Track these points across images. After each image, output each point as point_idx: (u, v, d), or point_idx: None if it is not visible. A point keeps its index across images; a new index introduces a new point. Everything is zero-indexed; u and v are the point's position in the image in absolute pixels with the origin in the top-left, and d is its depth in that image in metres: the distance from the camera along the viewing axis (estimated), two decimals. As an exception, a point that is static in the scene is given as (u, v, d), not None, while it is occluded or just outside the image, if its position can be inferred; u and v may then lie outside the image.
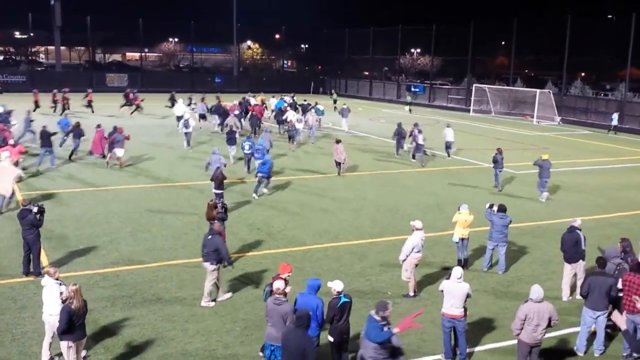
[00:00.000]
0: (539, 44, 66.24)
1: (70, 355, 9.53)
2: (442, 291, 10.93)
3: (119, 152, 26.70)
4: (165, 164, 27.89)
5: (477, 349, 11.49)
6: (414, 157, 30.66)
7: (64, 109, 41.71)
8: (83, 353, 10.26)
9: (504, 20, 58.06)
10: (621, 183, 27.20)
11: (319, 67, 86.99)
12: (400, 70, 76.27)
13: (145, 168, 26.93)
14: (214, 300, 13.00)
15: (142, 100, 44.71)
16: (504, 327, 12.08)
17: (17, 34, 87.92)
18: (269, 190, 22.76)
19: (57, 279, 10.34)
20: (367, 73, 78.23)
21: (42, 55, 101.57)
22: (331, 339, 10.03)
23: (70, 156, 27.90)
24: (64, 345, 9.48)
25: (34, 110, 40.41)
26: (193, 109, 40.62)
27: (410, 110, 56.44)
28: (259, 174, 22.17)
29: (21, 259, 14.32)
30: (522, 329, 10.01)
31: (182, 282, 14.12)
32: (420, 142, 29.83)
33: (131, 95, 45.53)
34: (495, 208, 15.43)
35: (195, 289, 13.74)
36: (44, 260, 14.94)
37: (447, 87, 68.57)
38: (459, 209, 15.58)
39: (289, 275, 10.51)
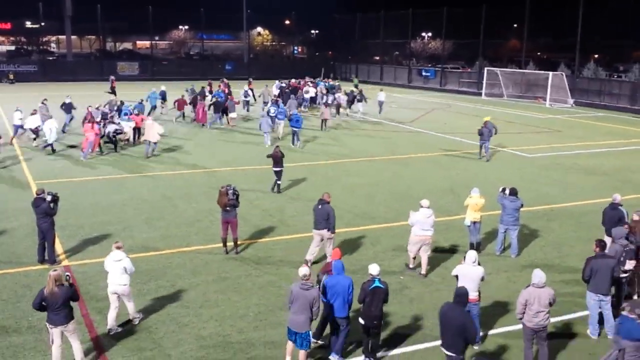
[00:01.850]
0: (551, 26, 65.35)
1: (53, 338, 9.68)
2: (456, 276, 10.91)
3: (232, 114, 34.96)
4: (178, 152, 27.97)
5: (491, 332, 11.49)
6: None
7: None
8: (117, 329, 11.06)
9: (516, 2, 57.43)
10: (636, 165, 26.97)
11: (330, 52, 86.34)
12: (411, 54, 75.49)
13: (159, 156, 27.02)
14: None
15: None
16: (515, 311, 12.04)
17: (28, 24, 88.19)
18: (301, 144, 29.23)
19: (122, 251, 11.19)
20: (377, 58, 77.49)
21: (53, 45, 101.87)
22: (362, 321, 10.16)
23: None
24: (46, 324, 9.80)
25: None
26: (247, 99, 41.41)
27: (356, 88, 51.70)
28: (294, 129, 29.15)
29: (36, 247, 14.44)
30: (524, 313, 10.00)
31: (195, 269, 14.20)
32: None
33: (114, 84, 45.89)
34: (507, 192, 15.38)
35: (209, 274, 13.83)
36: (59, 248, 15.07)
37: (459, 70, 67.97)
38: (470, 193, 15.58)
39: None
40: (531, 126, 38.32)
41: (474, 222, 15.51)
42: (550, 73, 51.74)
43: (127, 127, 29.25)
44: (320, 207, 14.16)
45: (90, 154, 26.28)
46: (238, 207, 14.98)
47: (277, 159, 20.50)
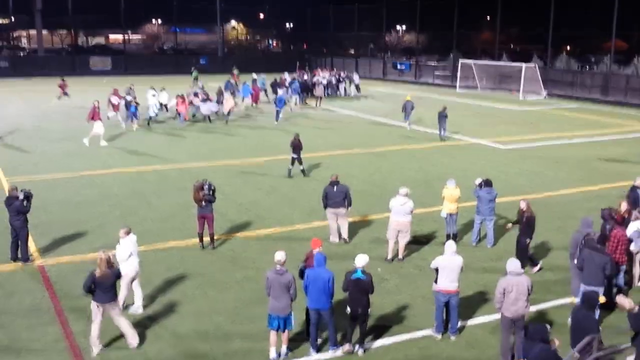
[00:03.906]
0: (523, 18, 65.93)
1: (96, 314, 10.30)
2: (435, 269, 10.95)
3: (247, 100, 40.09)
4: (149, 146, 27.72)
5: (469, 322, 11.57)
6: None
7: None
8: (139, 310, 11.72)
9: (489, -6, 57.86)
10: (607, 155, 27.34)
11: (305, 45, 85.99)
12: (385, 47, 75.65)
13: (132, 150, 26.75)
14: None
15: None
16: (493, 300, 12.14)
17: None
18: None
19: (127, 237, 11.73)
20: (352, 51, 77.39)
21: (24, 40, 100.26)
22: (348, 309, 10.41)
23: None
24: (92, 304, 10.33)
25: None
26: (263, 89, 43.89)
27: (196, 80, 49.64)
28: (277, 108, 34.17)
29: (8, 245, 14.22)
30: (502, 302, 10.07)
31: (171, 265, 14.10)
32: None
33: (62, 84, 43.52)
34: (478, 181, 15.56)
35: (185, 270, 13.73)
36: (32, 246, 14.86)
37: (433, 64, 68.27)
38: (446, 184, 15.68)
39: (319, 251, 10.90)
40: (505, 118, 38.62)
41: (450, 214, 15.63)
42: (523, 65, 51.98)
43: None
44: (334, 188, 15.26)
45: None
46: (214, 202, 14.88)
47: (297, 146, 21.97)
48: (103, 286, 10.21)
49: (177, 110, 34.08)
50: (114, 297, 10.42)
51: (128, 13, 69.70)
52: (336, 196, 15.26)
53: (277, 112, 34.38)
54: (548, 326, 8.67)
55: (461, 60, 57.90)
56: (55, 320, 11.37)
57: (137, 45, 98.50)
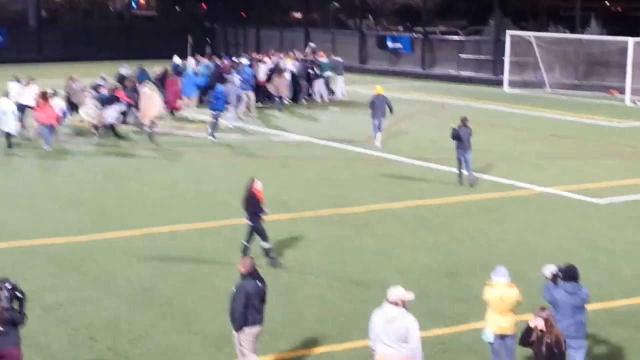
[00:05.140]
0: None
1: None
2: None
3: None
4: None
5: None
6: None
7: None
8: None
9: None
10: None
11: (203, 4, 52.22)
12: (364, 9, 46.10)
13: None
14: None
15: None
16: None
17: None
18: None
19: None
20: (299, 16, 49.06)
21: None
22: None
23: None
24: None
25: None
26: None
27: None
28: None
29: None
30: None
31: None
32: None
33: None
34: (560, 275, 8.92)
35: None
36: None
37: (457, 39, 41.52)
38: (490, 278, 9.26)
39: None
40: (599, 144, 25.17)
41: (502, 336, 8.98)
42: (631, 40, 31.15)
43: None
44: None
45: None
46: (22, 323, 7.72)
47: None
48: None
49: (36, 119, 21.42)
50: None
51: None
52: None
53: (213, 124, 23.30)
54: None
55: (510, 32, 35.28)
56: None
57: None
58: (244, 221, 12.80)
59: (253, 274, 8.64)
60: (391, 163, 21.45)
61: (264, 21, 46.71)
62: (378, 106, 22.22)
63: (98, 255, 13.31)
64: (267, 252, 12.72)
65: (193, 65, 30.03)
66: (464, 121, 18.52)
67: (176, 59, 31.35)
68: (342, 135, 24.68)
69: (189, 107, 27.15)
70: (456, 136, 18.23)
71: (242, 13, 46.94)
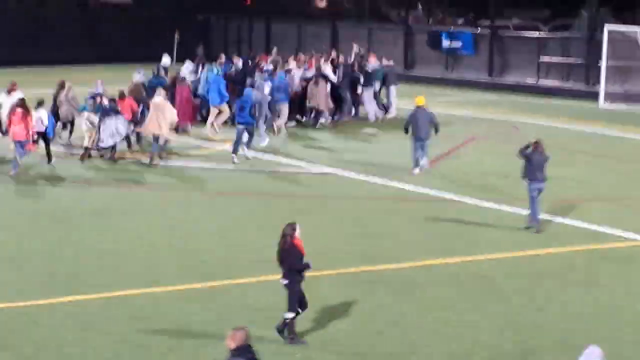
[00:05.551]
0: None
1: None
2: None
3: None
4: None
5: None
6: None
7: None
8: None
9: None
10: None
11: None
12: None
13: None
14: None
15: None
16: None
17: None
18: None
19: None
20: (323, 5, 40.39)
21: None
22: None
23: None
24: None
25: None
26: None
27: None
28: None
29: None
30: None
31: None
32: None
33: None
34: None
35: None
36: None
37: (536, 34, 33.31)
38: None
39: None
40: None
41: None
42: None
43: None
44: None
45: None
46: None
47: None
48: None
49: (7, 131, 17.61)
50: None
51: None
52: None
53: (249, 140, 18.79)
54: None
55: (609, 27, 27.93)
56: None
57: None
58: (280, 282, 9.23)
59: (244, 351, 6.04)
60: (443, 203, 16.44)
61: (276, 11, 36.14)
62: (421, 124, 16.93)
63: (42, 326, 9.82)
64: (288, 325, 9.21)
65: (190, 69, 23.56)
66: (537, 146, 13.86)
67: (165, 60, 24.73)
68: (380, 165, 18.90)
69: (216, 123, 20.94)
70: (526, 157, 13.72)
71: (247, 0, 36.66)
